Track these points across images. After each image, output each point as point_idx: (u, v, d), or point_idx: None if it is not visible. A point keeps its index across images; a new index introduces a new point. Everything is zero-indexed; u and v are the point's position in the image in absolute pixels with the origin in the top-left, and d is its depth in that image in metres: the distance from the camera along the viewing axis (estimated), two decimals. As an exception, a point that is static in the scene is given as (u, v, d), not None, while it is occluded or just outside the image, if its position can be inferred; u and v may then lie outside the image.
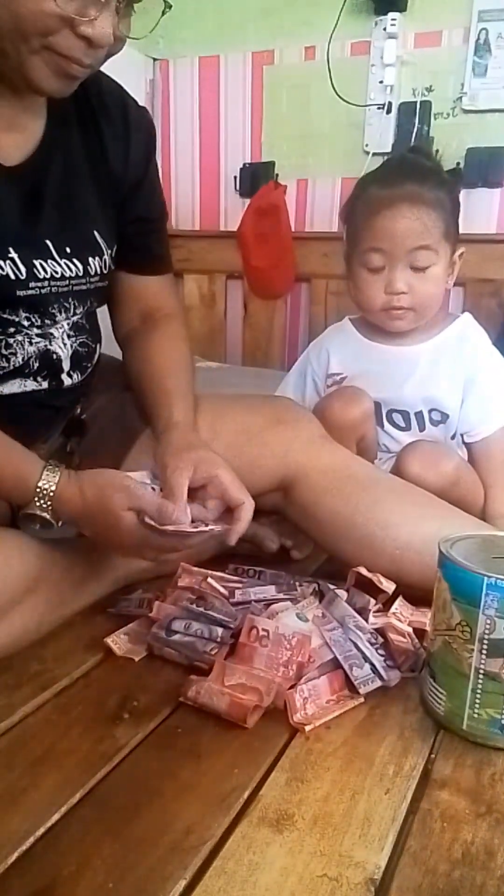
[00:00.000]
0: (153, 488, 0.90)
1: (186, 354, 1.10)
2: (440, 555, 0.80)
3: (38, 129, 0.92)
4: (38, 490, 0.84)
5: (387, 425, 1.29)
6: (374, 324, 1.27)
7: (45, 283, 0.92)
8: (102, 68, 0.99)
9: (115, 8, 0.77)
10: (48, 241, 0.92)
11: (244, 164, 2.23)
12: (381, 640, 0.88)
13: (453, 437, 1.28)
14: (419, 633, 0.90)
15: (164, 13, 0.85)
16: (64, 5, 0.74)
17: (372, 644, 0.86)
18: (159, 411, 1.01)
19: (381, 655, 0.85)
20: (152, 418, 1.02)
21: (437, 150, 1.96)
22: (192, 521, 0.87)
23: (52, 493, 0.84)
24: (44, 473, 0.84)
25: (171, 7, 0.84)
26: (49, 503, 0.84)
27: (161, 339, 1.09)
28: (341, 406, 1.22)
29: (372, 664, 0.84)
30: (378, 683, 0.83)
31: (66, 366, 1.00)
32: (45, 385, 0.99)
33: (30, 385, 0.98)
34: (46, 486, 0.84)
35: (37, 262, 0.91)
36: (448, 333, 1.25)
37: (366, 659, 0.85)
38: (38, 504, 0.84)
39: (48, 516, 0.85)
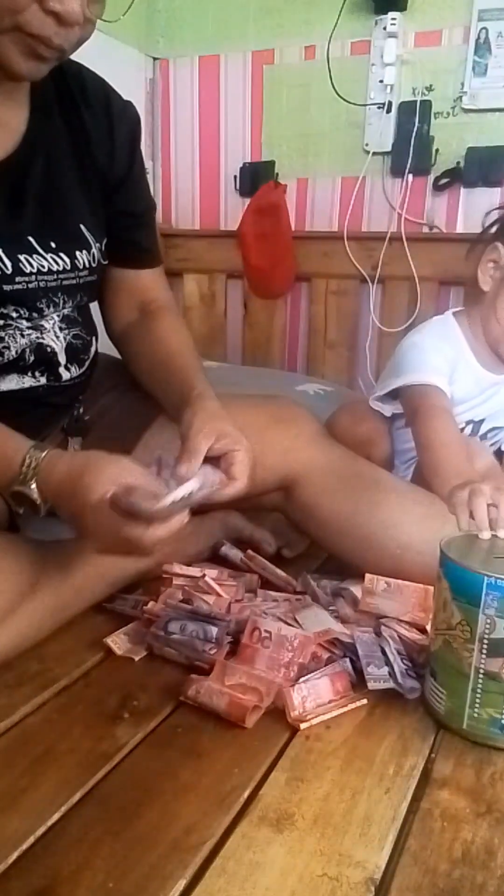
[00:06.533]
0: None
1: (191, 341, 1.09)
2: (441, 554, 0.79)
3: (20, 124, 0.91)
4: (24, 465, 0.80)
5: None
6: (487, 350, 1.22)
7: (32, 278, 0.92)
8: (99, 67, 0.99)
9: None
10: (31, 237, 0.92)
11: (244, 164, 2.23)
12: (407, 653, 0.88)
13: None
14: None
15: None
16: None
17: (400, 654, 0.87)
18: (180, 386, 0.97)
19: (406, 665, 0.85)
20: (170, 394, 0.99)
21: (437, 150, 1.97)
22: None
23: (36, 468, 0.80)
24: (31, 450, 0.81)
25: None
26: (34, 478, 0.80)
27: (165, 325, 1.08)
28: (350, 422, 1.20)
29: (392, 668, 0.84)
30: (390, 685, 0.83)
31: (61, 359, 1.00)
32: (42, 381, 0.99)
33: (28, 381, 0.97)
34: (32, 461, 0.80)
35: (21, 257, 0.91)
36: None
37: (387, 663, 0.85)
38: (22, 480, 0.80)
39: (33, 495, 0.80)
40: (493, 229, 1.22)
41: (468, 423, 1.26)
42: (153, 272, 1.13)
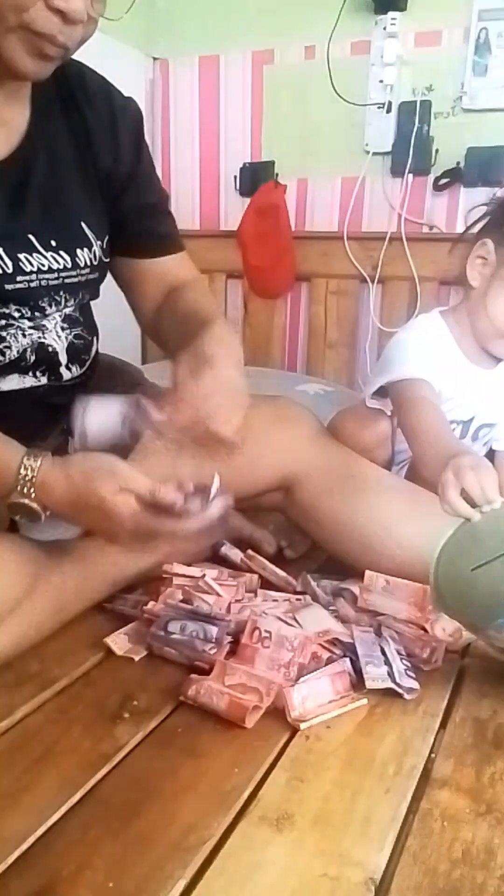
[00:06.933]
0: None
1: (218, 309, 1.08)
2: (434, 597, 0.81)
3: (22, 123, 0.91)
4: (20, 476, 0.80)
5: (469, 440, 1.27)
6: (475, 346, 1.23)
7: (34, 277, 0.92)
8: (99, 67, 0.99)
9: None
10: (31, 235, 0.92)
11: (244, 164, 2.22)
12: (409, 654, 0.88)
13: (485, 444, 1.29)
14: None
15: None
16: None
17: (399, 654, 0.86)
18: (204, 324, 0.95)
19: (405, 665, 0.85)
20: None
21: (437, 150, 1.97)
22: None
23: (33, 479, 0.80)
24: (24, 459, 0.81)
25: None
26: (32, 489, 0.80)
27: (194, 294, 1.07)
28: (355, 428, 1.21)
29: (391, 668, 0.84)
30: (388, 685, 0.83)
31: (63, 359, 1.00)
32: (43, 380, 0.99)
33: (28, 381, 0.97)
34: (28, 472, 0.80)
35: (21, 256, 0.91)
36: None
37: (387, 662, 0.85)
38: (21, 491, 0.81)
39: (33, 505, 0.81)
40: (479, 226, 1.23)
41: (458, 423, 1.26)
42: (176, 257, 1.11)
